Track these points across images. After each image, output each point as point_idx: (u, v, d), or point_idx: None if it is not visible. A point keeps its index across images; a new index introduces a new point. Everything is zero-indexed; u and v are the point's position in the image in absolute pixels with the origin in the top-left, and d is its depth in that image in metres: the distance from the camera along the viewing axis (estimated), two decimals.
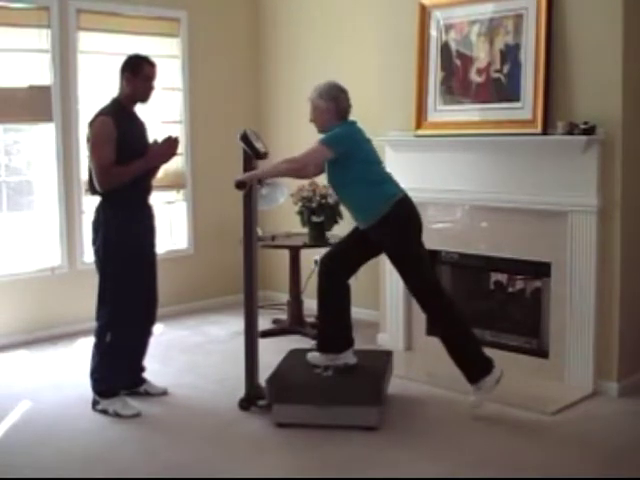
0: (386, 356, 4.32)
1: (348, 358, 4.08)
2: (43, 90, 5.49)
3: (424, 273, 4.02)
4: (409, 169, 4.81)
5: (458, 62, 4.71)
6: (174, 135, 4.17)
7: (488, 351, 4.66)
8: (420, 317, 5.03)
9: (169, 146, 4.14)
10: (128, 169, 3.98)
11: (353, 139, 3.99)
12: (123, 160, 3.96)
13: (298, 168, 4.03)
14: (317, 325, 4.31)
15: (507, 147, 4.51)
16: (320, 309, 4.12)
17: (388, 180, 4.05)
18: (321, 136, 3.98)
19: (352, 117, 4.10)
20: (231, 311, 6.01)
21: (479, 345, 4.05)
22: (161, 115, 5.95)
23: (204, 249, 6.38)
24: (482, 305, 5.00)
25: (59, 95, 5.53)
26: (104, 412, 4.05)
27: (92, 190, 4.10)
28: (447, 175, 4.75)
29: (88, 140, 4.06)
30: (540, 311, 4.57)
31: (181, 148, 4.29)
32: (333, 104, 4.01)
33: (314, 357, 4.11)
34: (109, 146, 3.94)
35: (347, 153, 3.92)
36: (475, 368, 3.97)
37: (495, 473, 3.34)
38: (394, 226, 3.92)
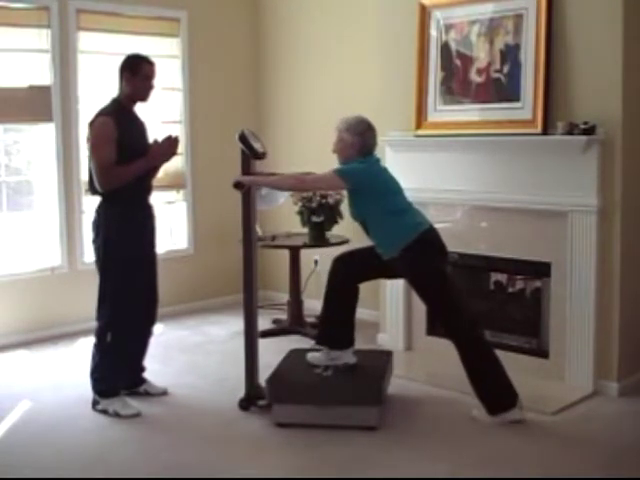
0: (386, 356, 4.32)
1: (348, 358, 4.08)
2: (43, 90, 5.49)
3: (452, 302, 3.93)
4: (409, 169, 4.81)
5: (458, 62, 4.71)
6: (174, 134, 4.18)
7: None
8: (420, 317, 5.04)
9: (169, 145, 4.13)
10: (129, 169, 3.98)
11: (369, 173, 3.93)
12: (123, 160, 3.96)
13: (304, 189, 4.06)
14: (319, 319, 4.26)
15: (507, 147, 4.51)
16: (326, 305, 4.10)
17: (410, 210, 3.98)
18: (337, 166, 3.94)
19: None
20: (231, 311, 6.01)
21: (505, 377, 3.89)
22: (161, 115, 5.95)
23: (204, 249, 6.38)
24: (482, 305, 4.99)
25: (59, 95, 5.53)
26: (104, 412, 4.05)
27: (92, 190, 4.10)
28: (447, 175, 4.75)
29: (88, 140, 4.06)
30: (540, 311, 4.57)
31: (181, 148, 4.30)
32: (359, 140, 3.95)
33: (314, 357, 4.11)
34: (110, 146, 3.94)
35: (362, 187, 3.88)
36: (496, 401, 3.87)
37: (495, 473, 3.34)
38: (415, 257, 3.85)
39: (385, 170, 4.07)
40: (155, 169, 4.24)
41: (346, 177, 3.88)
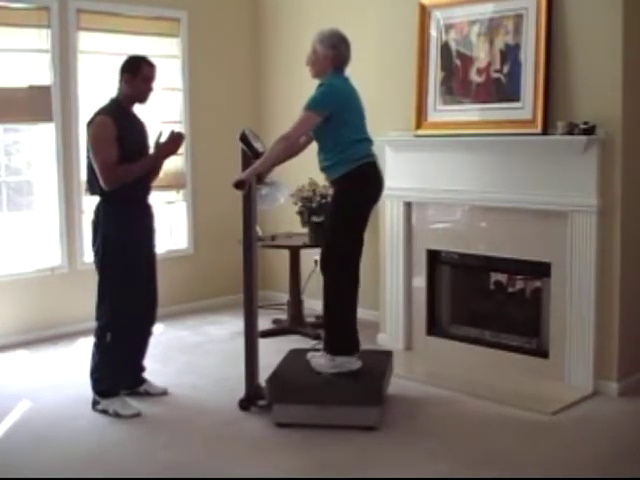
0: (386, 356, 4.32)
1: (353, 364, 4.00)
2: (43, 90, 5.49)
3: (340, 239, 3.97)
4: (409, 169, 4.82)
5: (458, 62, 4.71)
6: (177, 130, 4.18)
7: (488, 351, 4.68)
8: (420, 317, 5.04)
9: (174, 141, 4.15)
10: (134, 167, 4.00)
11: (341, 95, 3.93)
12: (123, 159, 3.96)
13: (293, 143, 4.00)
14: (324, 327, 4.16)
15: (507, 147, 4.51)
16: (326, 314, 4.05)
17: (363, 142, 4.00)
18: (306, 101, 3.92)
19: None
20: (231, 311, 6.01)
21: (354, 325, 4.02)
22: (161, 115, 5.94)
23: (204, 249, 6.38)
24: (482, 305, 5.00)
25: (59, 95, 5.53)
26: (104, 412, 4.05)
27: (91, 190, 4.10)
28: (447, 175, 4.75)
29: (88, 140, 4.06)
30: (540, 311, 4.57)
31: (181, 148, 4.29)
32: (332, 52, 3.98)
33: (318, 364, 4.03)
34: (111, 145, 3.94)
35: (336, 111, 3.87)
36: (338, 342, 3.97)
37: (495, 473, 3.34)
38: (347, 186, 3.92)
39: (354, 92, 4.03)
40: (157, 170, 4.24)
41: (320, 107, 3.86)
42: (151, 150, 4.19)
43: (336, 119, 3.89)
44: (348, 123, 3.95)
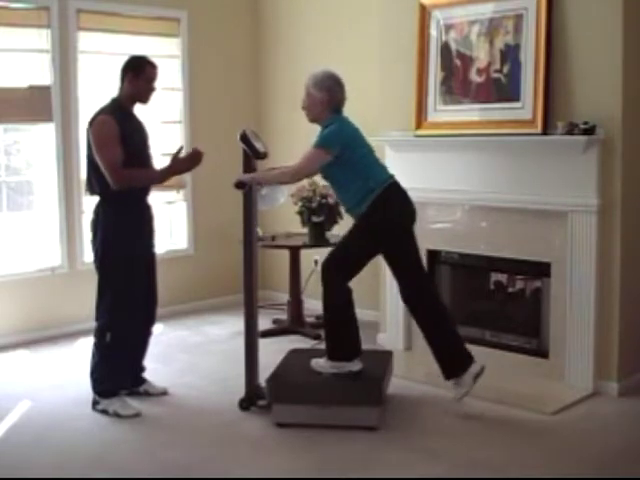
0: (386, 356, 4.32)
1: (353, 366, 3.99)
2: (43, 90, 5.49)
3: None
4: (409, 169, 4.81)
5: (458, 62, 4.71)
6: (199, 148, 4.20)
7: (488, 351, 4.68)
8: None
9: (193, 159, 4.18)
10: (149, 174, 4.09)
11: (347, 134, 3.94)
12: (124, 159, 3.95)
13: (299, 180, 4.09)
14: (325, 334, 4.13)
15: (507, 147, 4.51)
16: (327, 320, 4.04)
17: (375, 167, 4.01)
18: (316, 139, 3.94)
19: (353, 117, 4.09)
20: (231, 311, 6.01)
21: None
22: (161, 115, 5.95)
23: (204, 249, 6.38)
24: (482, 305, 5.00)
25: (59, 95, 5.53)
26: (104, 412, 4.05)
27: (90, 190, 4.10)
28: (447, 175, 4.75)
29: (89, 139, 4.05)
30: (540, 311, 4.57)
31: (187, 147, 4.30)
32: (327, 95, 3.96)
33: (318, 365, 4.02)
34: (115, 144, 3.94)
35: (344, 151, 3.88)
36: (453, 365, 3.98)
37: (495, 473, 3.34)
38: (378, 212, 3.92)
39: (357, 130, 4.03)
40: (164, 180, 4.24)
41: (331, 146, 3.87)
42: (150, 149, 4.20)
43: (349, 154, 3.90)
44: (361, 156, 3.96)
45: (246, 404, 4.07)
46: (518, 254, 4.55)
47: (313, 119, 4.04)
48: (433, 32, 4.82)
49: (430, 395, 4.29)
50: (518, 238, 4.52)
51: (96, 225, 4.09)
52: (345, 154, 3.90)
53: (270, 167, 4.43)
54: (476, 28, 4.61)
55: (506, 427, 3.84)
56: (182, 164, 4.16)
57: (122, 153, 3.94)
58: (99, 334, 4.10)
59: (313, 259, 6.00)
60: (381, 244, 4.00)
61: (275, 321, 5.85)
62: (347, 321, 4.00)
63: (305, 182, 5.46)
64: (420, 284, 4.09)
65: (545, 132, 4.30)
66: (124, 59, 4.13)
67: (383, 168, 4.07)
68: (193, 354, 5.17)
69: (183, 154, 4.18)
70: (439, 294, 4.22)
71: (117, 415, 4.01)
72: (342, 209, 5.25)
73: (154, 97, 4.21)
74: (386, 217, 3.92)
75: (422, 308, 4.08)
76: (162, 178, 4.15)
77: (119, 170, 3.93)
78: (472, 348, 4.74)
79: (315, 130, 4.15)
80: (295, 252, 5.67)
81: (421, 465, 3.43)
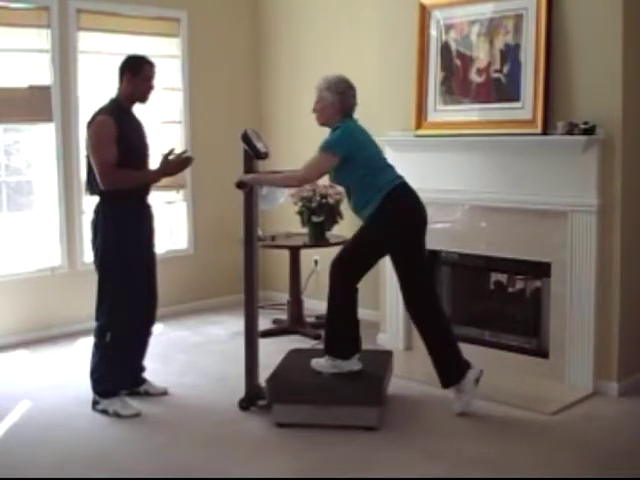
0: (386, 356, 4.32)
1: (353, 365, 4.00)
2: (43, 90, 5.49)
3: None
4: (409, 169, 4.79)
5: (458, 62, 4.71)
6: (188, 153, 4.19)
7: (488, 351, 4.68)
8: None
9: (181, 163, 4.20)
10: (137, 175, 4.05)
11: (355, 138, 3.94)
12: (122, 159, 3.96)
13: (309, 181, 4.07)
14: (325, 330, 4.14)
15: (507, 147, 4.51)
16: (329, 316, 4.03)
17: (387, 169, 4.01)
18: (321, 144, 3.93)
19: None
20: (231, 311, 6.01)
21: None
22: (161, 115, 5.95)
23: (204, 249, 6.38)
24: (482, 305, 5.00)
25: (59, 95, 5.53)
26: (104, 412, 4.05)
27: (90, 190, 4.10)
28: (447, 175, 4.75)
29: (88, 139, 4.06)
30: (540, 311, 4.57)
31: (181, 148, 4.30)
32: (339, 98, 3.95)
33: (318, 364, 4.03)
34: (111, 145, 3.94)
35: (350, 154, 3.88)
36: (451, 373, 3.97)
37: (494, 473, 3.34)
38: (389, 214, 3.91)
39: (364, 132, 4.03)
40: (157, 181, 4.24)
41: (336, 149, 3.86)
42: (148, 149, 4.21)
43: (357, 157, 3.89)
44: (369, 157, 3.95)
45: (246, 404, 4.07)
46: (518, 254, 4.55)
47: (324, 122, 4.02)
48: (433, 32, 4.82)
49: (430, 395, 4.29)
50: (518, 238, 4.52)
51: (96, 225, 4.09)
52: (352, 157, 3.89)
53: (272, 170, 4.43)
54: (476, 28, 4.61)
55: (506, 427, 3.84)
56: (171, 167, 4.17)
57: (118, 153, 3.94)
58: (99, 334, 4.10)
59: (313, 259, 6.01)
60: (389, 245, 3.98)
61: (275, 321, 5.85)
62: (349, 321, 4.01)
63: None
64: (427, 302, 4.04)
65: (545, 132, 4.30)
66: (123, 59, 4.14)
67: (392, 169, 4.06)
68: (193, 354, 5.17)
69: (174, 156, 4.17)
70: (441, 305, 4.17)
71: (117, 415, 4.01)
72: (343, 209, 5.28)
73: (154, 97, 4.22)
74: (394, 216, 3.91)
75: (424, 320, 4.05)
76: (152, 180, 4.15)
77: (109, 171, 3.93)
78: (472, 348, 4.76)
79: (315, 130, 4.15)
80: (295, 252, 5.67)
81: (421, 465, 3.43)
